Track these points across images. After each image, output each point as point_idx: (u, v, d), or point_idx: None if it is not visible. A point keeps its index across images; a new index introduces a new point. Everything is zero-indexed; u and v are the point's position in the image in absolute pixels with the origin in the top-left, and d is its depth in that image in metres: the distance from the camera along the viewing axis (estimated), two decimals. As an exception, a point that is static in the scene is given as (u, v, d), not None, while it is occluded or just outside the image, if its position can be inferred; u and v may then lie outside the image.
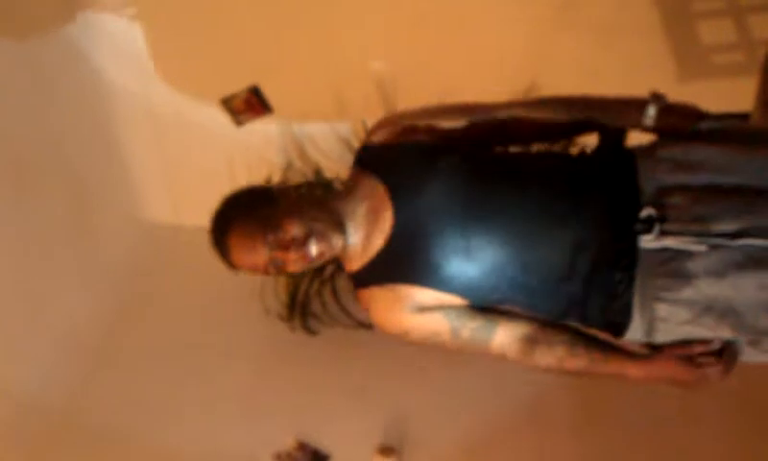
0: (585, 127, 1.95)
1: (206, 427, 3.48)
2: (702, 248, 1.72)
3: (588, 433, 3.25)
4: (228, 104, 3.79)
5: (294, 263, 1.82)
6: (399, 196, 1.84)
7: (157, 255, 4.25)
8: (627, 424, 3.20)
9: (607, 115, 1.92)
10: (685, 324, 1.75)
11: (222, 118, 3.79)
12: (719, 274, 1.72)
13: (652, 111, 1.88)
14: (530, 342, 1.83)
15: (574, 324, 1.85)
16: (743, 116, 2.92)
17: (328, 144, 3.92)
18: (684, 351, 1.77)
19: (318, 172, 3.79)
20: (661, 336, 1.79)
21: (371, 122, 3.92)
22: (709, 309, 1.73)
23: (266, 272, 1.84)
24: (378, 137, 1.97)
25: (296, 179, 3.89)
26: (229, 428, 3.49)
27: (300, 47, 3.95)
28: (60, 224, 3.86)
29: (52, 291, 3.71)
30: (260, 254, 1.82)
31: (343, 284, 3.73)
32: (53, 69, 3.85)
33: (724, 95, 3.07)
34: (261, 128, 3.84)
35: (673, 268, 1.74)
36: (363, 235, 1.87)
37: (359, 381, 3.52)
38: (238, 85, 3.81)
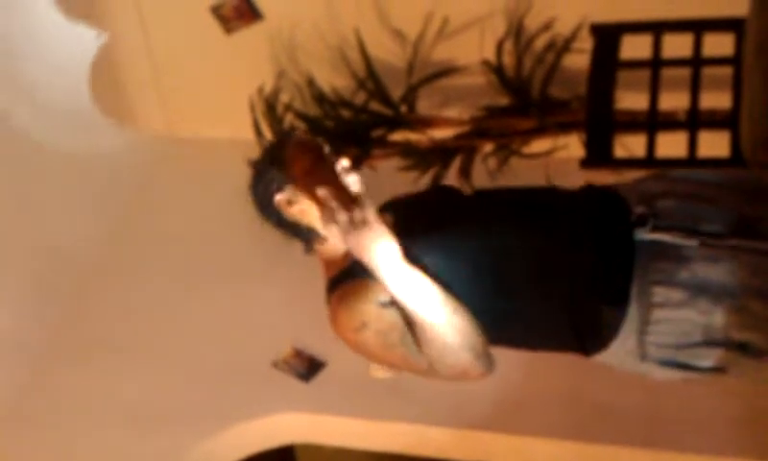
0: None
1: (203, 337, 3.51)
2: (694, 243, 1.79)
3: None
4: (217, 11, 3.73)
5: (329, 194, 1.77)
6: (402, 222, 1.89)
7: (150, 167, 4.24)
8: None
9: None
10: (681, 306, 1.78)
11: (212, 26, 3.73)
12: (714, 259, 1.78)
13: None
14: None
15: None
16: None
17: (320, 51, 3.87)
18: None
19: (311, 80, 3.75)
20: (655, 336, 1.81)
21: (363, 29, 3.84)
22: (704, 291, 1.78)
23: (306, 178, 1.87)
24: None
25: (288, 87, 3.86)
26: (227, 338, 3.53)
27: (289, -48, 3.87)
28: (53, 137, 3.86)
29: (50, 205, 3.71)
30: (319, 158, 1.88)
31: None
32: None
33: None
34: (252, 35, 3.78)
35: (669, 253, 1.80)
36: None
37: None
38: (227, -8, 3.74)
